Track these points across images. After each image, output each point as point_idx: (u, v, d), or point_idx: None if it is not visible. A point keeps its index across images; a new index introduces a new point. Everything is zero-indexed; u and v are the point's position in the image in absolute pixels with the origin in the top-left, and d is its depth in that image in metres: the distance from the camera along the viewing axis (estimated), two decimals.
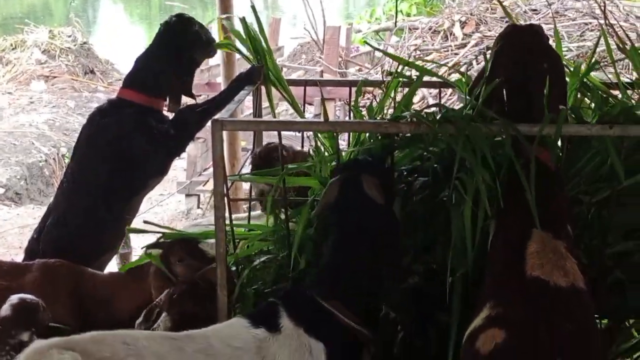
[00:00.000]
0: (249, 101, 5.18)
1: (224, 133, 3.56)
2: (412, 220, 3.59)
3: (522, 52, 3.46)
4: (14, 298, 3.66)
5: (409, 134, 3.54)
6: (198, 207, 10.81)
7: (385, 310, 3.36)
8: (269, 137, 6.55)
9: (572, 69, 3.79)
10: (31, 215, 9.37)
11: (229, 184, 3.82)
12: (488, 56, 3.64)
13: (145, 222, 4.08)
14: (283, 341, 3.05)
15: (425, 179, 3.57)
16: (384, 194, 3.23)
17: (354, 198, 3.22)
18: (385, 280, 3.21)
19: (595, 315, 3.44)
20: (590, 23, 13.45)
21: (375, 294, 3.27)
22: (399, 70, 3.99)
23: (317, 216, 3.34)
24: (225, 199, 3.53)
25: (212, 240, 3.68)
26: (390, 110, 3.80)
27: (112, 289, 4.27)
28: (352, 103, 4.00)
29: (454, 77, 4.23)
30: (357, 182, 3.22)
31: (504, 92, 3.47)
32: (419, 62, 5.55)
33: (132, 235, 5.38)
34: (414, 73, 4.02)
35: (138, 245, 5.11)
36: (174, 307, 3.76)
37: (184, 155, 8.26)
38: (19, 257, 5.29)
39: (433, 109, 3.53)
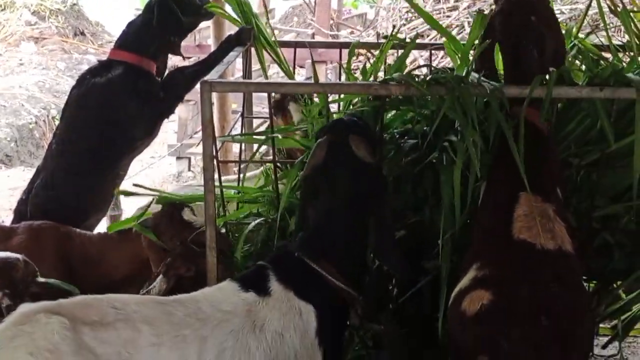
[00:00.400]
0: (240, 63, 5.15)
1: (214, 95, 3.55)
2: (402, 182, 3.60)
3: (515, 14, 3.44)
4: None
5: (399, 97, 3.54)
6: (189, 169, 10.81)
7: (376, 265, 3.35)
8: (259, 99, 6.56)
9: (564, 32, 3.77)
10: (21, 178, 9.33)
11: (219, 146, 3.81)
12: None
13: (134, 185, 4.07)
14: (273, 305, 3.04)
15: (415, 142, 3.57)
16: (372, 153, 3.22)
17: (342, 158, 3.20)
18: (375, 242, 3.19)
19: (583, 278, 3.46)
20: None
21: (364, 255, 3.27)
22: (394, 32, 3.97)
23: (304, 178, 3.32)
24: (215, 161, 3.53)
25: (201, 203, 3.68)
26: (381, 74, 3.79)
27: (101, 250, 4.26)
28: (345, 65, 3.98)
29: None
30: (345, 142, 3.20)
31: (503, 54, 3.48)
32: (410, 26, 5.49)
33: (122, 197, 5.38)
34: (409, 36, 3.99)
35: (128, 207, 5.11)
36: (169, 270, 3.78)
37: (174, 117, 8.26)
38: (9, 219, 5.28)
39: (424, 70, 3.51)
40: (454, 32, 12.43)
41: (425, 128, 3.57)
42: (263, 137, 3.85)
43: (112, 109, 4.85)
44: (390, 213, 3.22)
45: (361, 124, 3.32)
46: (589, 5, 4.31)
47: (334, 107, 3.97)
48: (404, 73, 3.47)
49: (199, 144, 10.21)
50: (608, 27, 3.96)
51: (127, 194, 4.21)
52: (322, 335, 3.07)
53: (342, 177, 3.19)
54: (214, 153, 3.51)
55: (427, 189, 3.56)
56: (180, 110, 10.37)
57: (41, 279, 3.71)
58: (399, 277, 3.27)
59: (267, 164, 4.14)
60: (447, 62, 10.00)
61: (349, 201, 3.18)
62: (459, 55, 3.59)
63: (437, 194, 3.48)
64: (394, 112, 3.73)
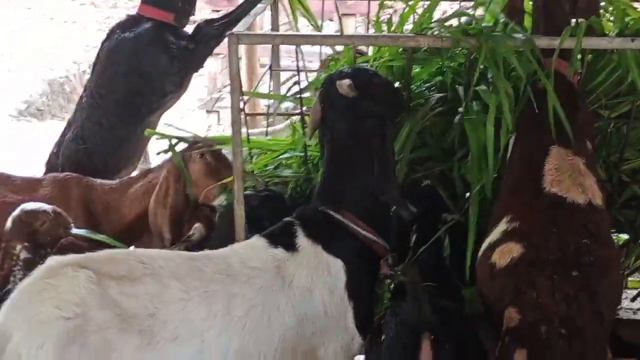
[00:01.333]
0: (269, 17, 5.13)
1: (242, 48, 3.53)
2: (428, 134, 3.58)
3: None
4: (17, 209, 3.67)
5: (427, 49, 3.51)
6: (218, 123, 10.80)
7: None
8: (288, 52, 6.52)
9: None
10: (52, 131, 9.38)
11: (246, 99, 3.80)
12: None
13: (166, 124, 4.09)
14: (301, 260, 3.03)
15: (443, 94, 3.54)
16: (357, 89, 3.16)
17: (332, 103, 3.19)
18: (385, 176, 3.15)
19: (612, 231, 3.44)
20: None
21: (381, 196, 3.19)
22: None
23: (310, 137, 3.38)
24: (243, 114, 3.53)
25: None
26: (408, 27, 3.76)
27: (118, 195, 4.33)
28: (374, 17, 3.95)
29: None
30: (333, 89, 3.18)
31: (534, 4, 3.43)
32: None
33: (151, 151, 5.41)
34: None
35: (157, 160, 5.12)
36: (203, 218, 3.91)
37: (204, 71, 8.25)
38: (41, 172, 5.31)
39: (453, 21, 3.47)
40: None
41: (452, 81, 3.54)
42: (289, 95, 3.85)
43: (142, 62, 4.87)
44: (388, 146, 3.19)
45: (346, 70, 3.30)
46: None
47: None
48: (434, 24, 3.44)
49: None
50: None
51: (157, 134, 4.33)
52: (351, 290, 3.06)
53: (337, 121, 3.18)
54: (242, 106, 3.50)
55: (454, 141, 3.54)
56: (210, 63, 10.34)
57: (74, 230, 3.73)
58: (400, 213, 3.25)
59: (294, 117, 4.14)
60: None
61: (348, 143, 3.16)
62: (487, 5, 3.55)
63: (463, 146, 3.45)
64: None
